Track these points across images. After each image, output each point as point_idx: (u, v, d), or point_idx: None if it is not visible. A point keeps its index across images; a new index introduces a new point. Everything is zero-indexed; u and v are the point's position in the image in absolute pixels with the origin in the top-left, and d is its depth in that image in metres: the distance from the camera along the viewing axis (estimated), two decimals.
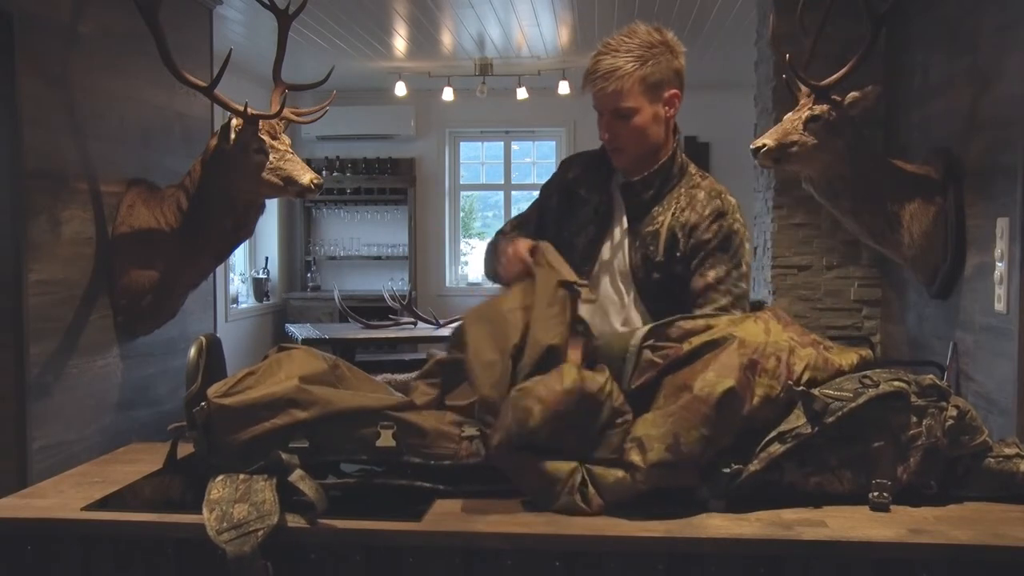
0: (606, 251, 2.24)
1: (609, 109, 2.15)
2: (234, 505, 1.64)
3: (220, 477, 1.74)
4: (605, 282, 2.23)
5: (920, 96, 3.71)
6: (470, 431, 1.84)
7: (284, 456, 1.72)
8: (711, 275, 2.12)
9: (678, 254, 2.15)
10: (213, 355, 2.24)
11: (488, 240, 2.43)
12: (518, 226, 2.37)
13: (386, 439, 1.79)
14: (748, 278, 2.19)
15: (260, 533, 1.58)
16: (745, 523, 1.64)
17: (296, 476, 1.68)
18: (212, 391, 1.82)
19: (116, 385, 3.29)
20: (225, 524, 1.60)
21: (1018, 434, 2.66)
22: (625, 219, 2.23)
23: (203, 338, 2.10)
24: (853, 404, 1.70)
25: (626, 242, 2.22)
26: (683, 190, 2.21)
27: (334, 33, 6.13)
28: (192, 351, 2.11)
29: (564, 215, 2.29)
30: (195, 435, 1.82)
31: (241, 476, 1.73)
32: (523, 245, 2.06)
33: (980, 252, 3.04)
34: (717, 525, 1.63)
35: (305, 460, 1.75)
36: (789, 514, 1.68)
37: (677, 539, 1.59)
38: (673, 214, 2.18)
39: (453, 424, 1.86)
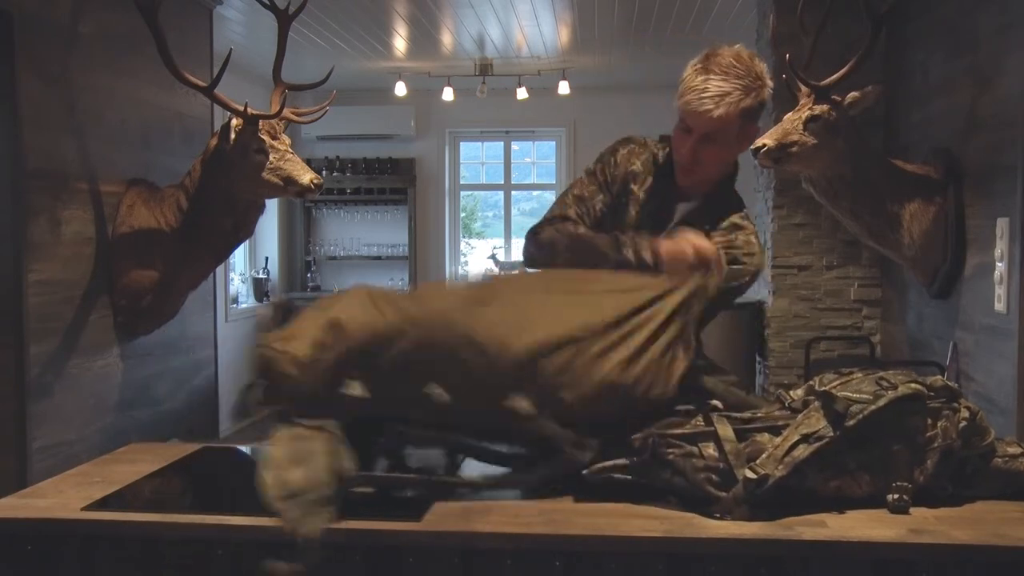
0: None
1: (704, 131, 2.01)
2: (290, 468, 1.62)
3: (282, 429, 1.71)
4: None
5: (920, 96, 3.71)
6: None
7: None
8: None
9: None
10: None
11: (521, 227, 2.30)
12: (578, 206, 2.21)
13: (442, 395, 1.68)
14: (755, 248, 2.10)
15: (325, 516, 1.58)
16: (745, 523, 1.64)
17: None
18: (270, 337, 1.77)
19: (116, 385, 3.29)
20: (284, 493, 1.59)
21: (1018, 434, 2.66)
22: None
23: (281, 296, 2.04)
24: (874, 407, 1.68)
25: None
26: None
27: (334, 33, 6.13)
28: (268, 309, 2.04)
29: (615, 206, 2.19)
30: (258, 382, 1.78)
31: (298, 430, 1.70)
32: (704, 243, 1.93)
33: (980, 252, 3.04)
34: (717, 525, 1.63)
35: (365, 415, 1.72)
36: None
37: (677, 539, 1.59)
38: None
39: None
